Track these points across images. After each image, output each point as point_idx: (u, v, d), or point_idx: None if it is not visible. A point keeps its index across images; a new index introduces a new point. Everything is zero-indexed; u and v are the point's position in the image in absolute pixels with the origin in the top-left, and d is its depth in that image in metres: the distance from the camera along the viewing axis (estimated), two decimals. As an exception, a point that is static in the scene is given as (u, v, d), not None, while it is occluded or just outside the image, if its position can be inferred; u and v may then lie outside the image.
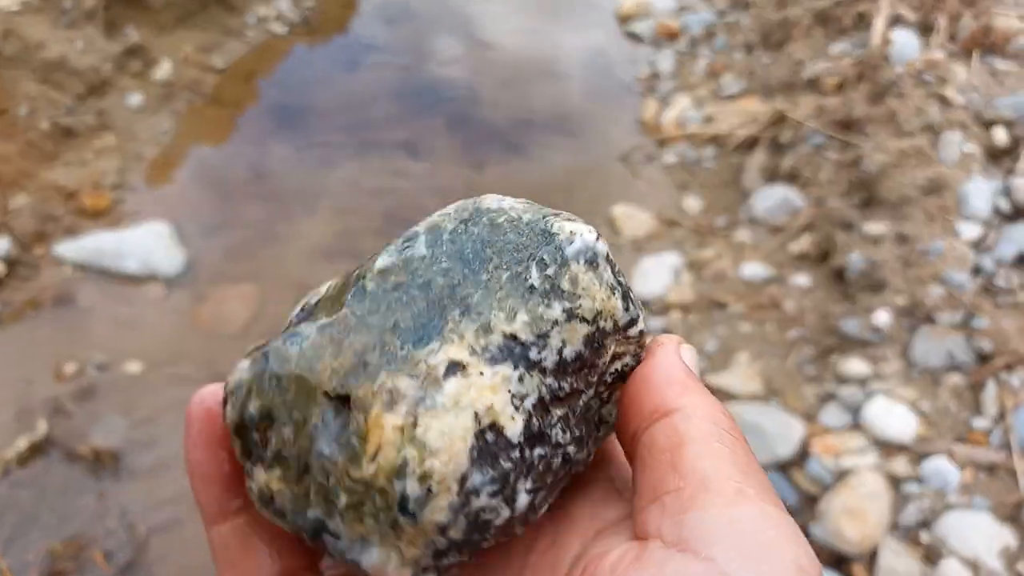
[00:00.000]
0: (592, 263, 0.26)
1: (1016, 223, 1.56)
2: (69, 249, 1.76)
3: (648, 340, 0.28)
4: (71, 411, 1.50)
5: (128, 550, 1.32)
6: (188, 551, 1.33)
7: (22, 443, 1.42)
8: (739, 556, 0.21)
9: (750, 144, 2.00)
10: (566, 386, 0.26)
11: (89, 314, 1.67)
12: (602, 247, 0.26)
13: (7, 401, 1.50)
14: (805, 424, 1.39)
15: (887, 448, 1.33)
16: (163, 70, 2.24)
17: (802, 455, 1.35)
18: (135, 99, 2.15)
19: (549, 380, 0.25)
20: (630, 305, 0.27)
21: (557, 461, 0.26)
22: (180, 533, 1.35)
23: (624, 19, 2.58)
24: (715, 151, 2.04)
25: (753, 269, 1.71)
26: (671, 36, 2.47)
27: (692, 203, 1.93)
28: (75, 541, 1.32)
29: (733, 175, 1.97)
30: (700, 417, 0.24)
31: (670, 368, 0.26)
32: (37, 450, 1.43)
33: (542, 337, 0.25)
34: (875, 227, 1.63)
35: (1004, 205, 1.60)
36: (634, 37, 2.52)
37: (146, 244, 1.76)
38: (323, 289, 0.29)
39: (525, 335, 0.25)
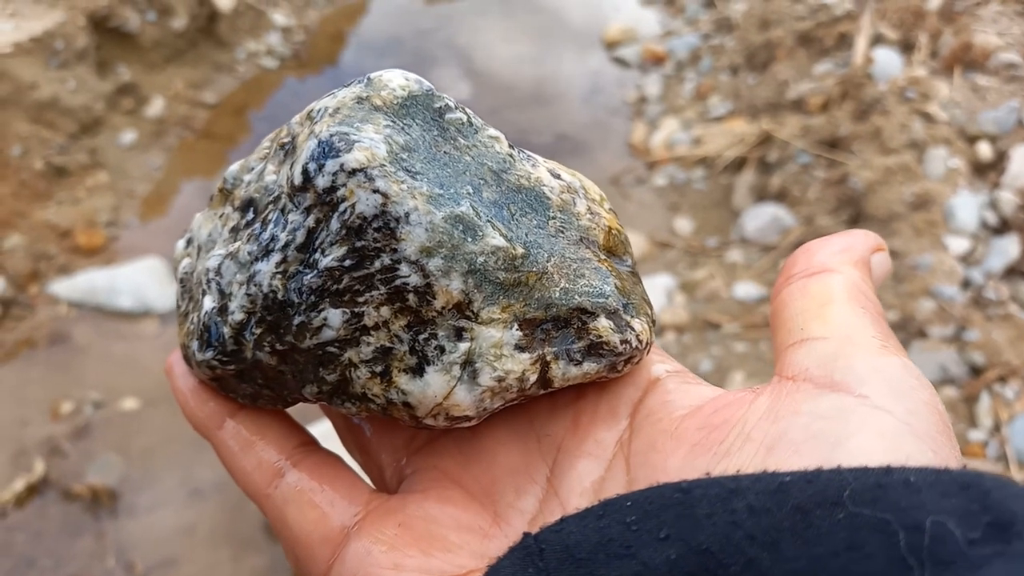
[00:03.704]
0: None
1: (1003, 236, 1.58)
2: (63, 288, 1.76)
3: None
4: (67, 451, 1.49)
5: (127, 590, 1.31)
6: (187, 589, 1.32)
7: (19, 485, 1.41)
8: (888, 394, 0.23)
9: (738, 164, 2.02)
10: None
11: (84, 352, 1.67)
12: None
13: (3, 442, 1.50)
14: (802, 442, 1.39)
15: (885, 464, 1.33)
16: (155, 107, 2.26)
17: (800, 473, 1.35)
18: (127, 136, 2.16)
19: None
20: None
21: None
22: (178, 570, 1.34)
23: (611, 45, 2.61)
24: (704, 172, 2.06)
25: (746, 289, 1.72)
26: (658, 60, 2.50)
27: (683, 224, 1.94)
28: (73, 582, 1.31)
29: (723, 195, 1.99)
30: (851, 283, 0.27)
31: (838, 240, 0.29)
32: (34, 491, 1.42)
33: None
34: (865, 243, 1.64)
35: (991, 218, 1.61)
36: (621, 62, 2.55)
37: (140, 280, 1.77)
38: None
39: None
